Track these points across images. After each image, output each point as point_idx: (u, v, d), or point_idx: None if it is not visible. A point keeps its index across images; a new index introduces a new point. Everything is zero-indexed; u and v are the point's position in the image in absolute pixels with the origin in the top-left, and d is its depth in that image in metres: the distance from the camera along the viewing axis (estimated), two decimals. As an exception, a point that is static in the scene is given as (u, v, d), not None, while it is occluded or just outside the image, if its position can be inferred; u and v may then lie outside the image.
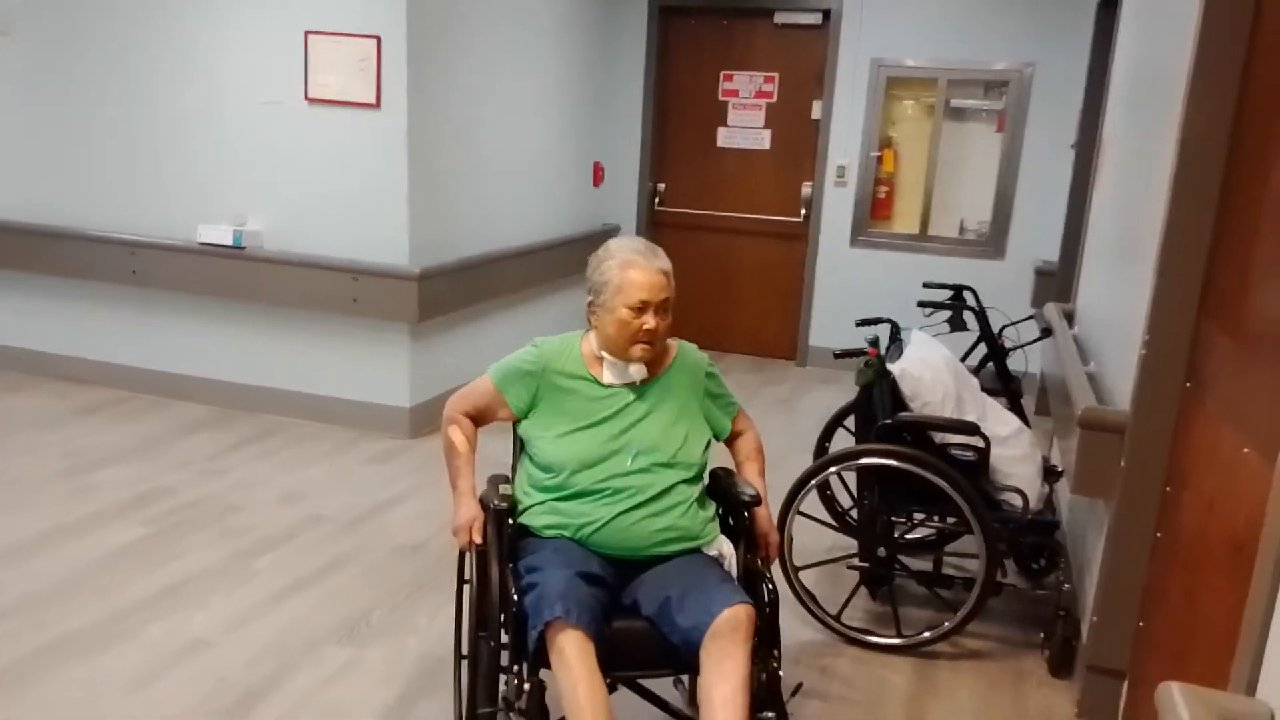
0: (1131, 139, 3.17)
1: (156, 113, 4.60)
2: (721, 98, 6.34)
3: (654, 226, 6.60)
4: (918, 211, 6.12)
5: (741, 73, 6.28)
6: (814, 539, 3.42)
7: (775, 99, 6.25)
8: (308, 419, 4.65)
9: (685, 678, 2.43)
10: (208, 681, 2.61)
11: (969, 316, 4.17)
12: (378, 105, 4.28)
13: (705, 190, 6.48)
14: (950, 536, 3.15)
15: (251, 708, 2.51)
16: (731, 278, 6.42)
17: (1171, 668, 2.23)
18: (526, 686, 1.91)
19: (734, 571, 2.13)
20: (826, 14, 5.99)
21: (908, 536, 3.15)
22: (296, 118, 4.40)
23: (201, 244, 4.54)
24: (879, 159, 6.10)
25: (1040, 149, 5.74)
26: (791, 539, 2.95)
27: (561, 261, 5.83)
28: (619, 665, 1.98)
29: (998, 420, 3.11)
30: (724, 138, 6.38)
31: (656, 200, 6.57)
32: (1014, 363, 4.22)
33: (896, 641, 2.93)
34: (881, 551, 2.99)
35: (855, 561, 3.05)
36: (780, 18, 6.12)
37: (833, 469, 2.93)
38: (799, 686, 2.17)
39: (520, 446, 2.32)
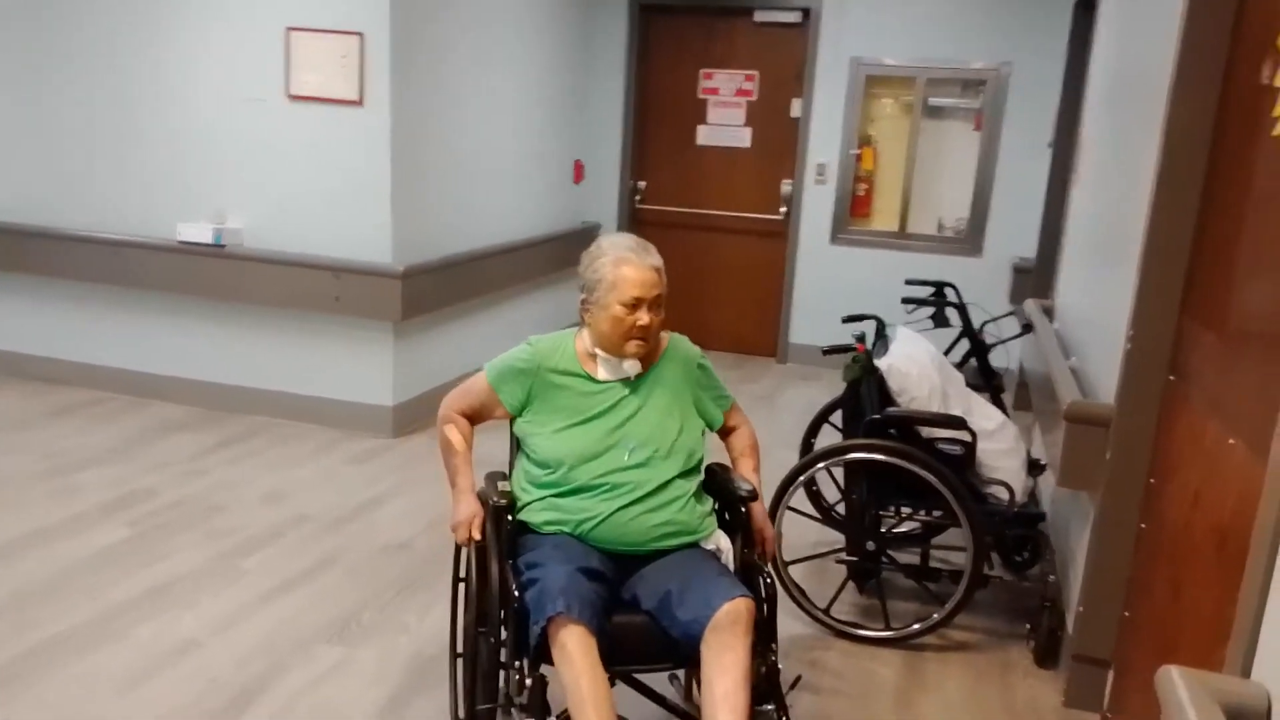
0: (1112, 138, 3.21)
1: (136, 110, 4.55)
2: (701, 96, 6.37)
3: (635, 224, 6.60)
4: (897, 209, 6.18)
5: (721, 71, 6.30)
6: (800, 533, 3.45)
7: (755, 97, 6.28)
8: (289, 419, 4.62)
9: (680, 673, 2.44)
10: (199, 682, 2.60)
11: (951, 313, 4.22)
12: (360, 102, 4.27)
13: (686, 188, 6.50)
14: (936, 530, 3.19)
15: (244, 708, 2.50)
16: (712, 275, 6.44)
17: (1157, 656, 2.28)
18: (528, 682, 1.92)
19: (731, 566, 2.15)
20: (806, 12, 6.03)
21: (895, 530, 3.18)
22: (278, 115, 4.37)
23: (181, 242, 4.50)
24: (858, 157, 6.14)
25: (1017, 147, 5.81)
26: (780, 534, 2.98)
27: (543, 259, 5.84)
28: (619, 659, 1.99)
29: (982, 415, 3.15)
30: (704, 136, 6.41)
31: (637, 198, 6.59)
32: (995, 358, 4.28)
33: (886, 634, 2.96)
34: (870, 545, 3.02)
35: (843, 556, 3.08)
36: (760, 16, 6.15)
37: (822, 464, 2.96)
38: (798, 679, 2.19)
39: (516, 444, 2.32)
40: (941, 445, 2.92)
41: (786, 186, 6.27)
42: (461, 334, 5.07)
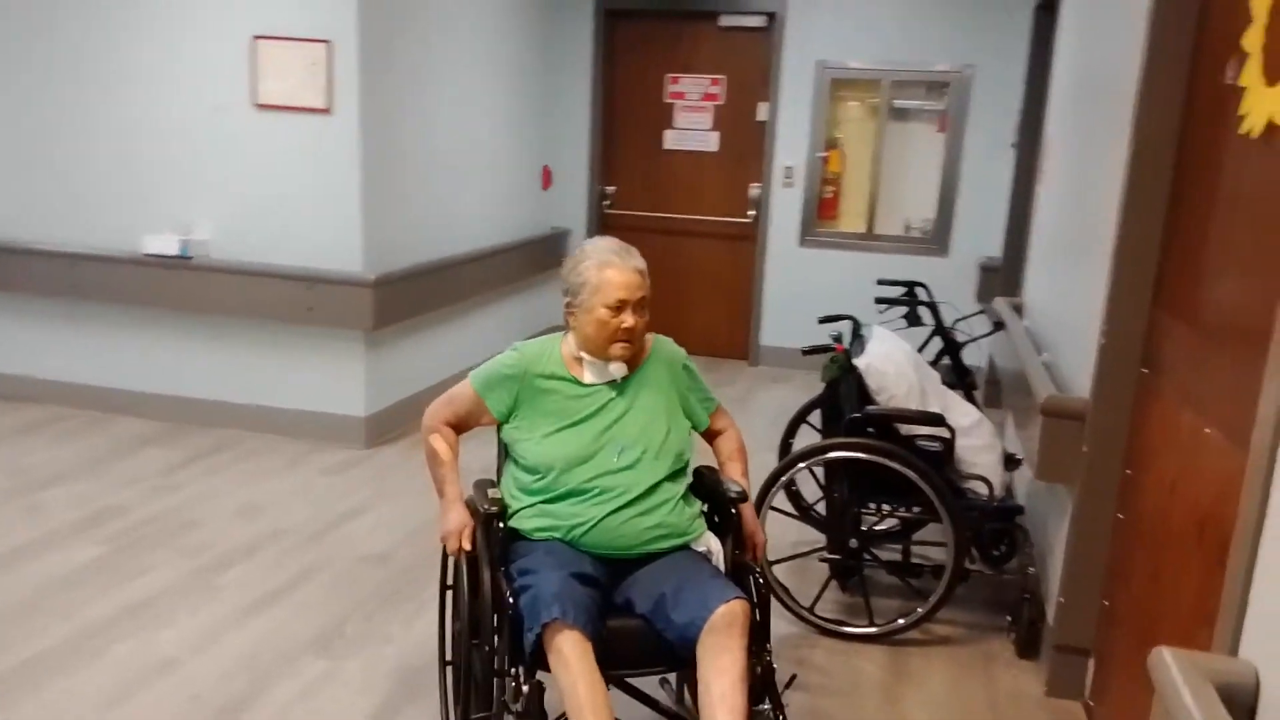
0: (1079, 138, 3.28)
1: (98, 120, 4.48)
2: (668, 100, 6.39)
3: (603, 229, 6.61)
4: (864, 211, 6.24)
5: (688, 75, 6.33)
6: (781, 533, 3.47)
7: (722, 101, 6.32)
8: (260, 432, 4.57)
9: (671, 676, 2.45)
10: (181, 699, 2.56)
11: (923, 312, 4.27)
12: (329, 110, 4.23)
13: (654, 192, 6.52)
14: (916, 526, 3.22)
15: (229, 724, 2.47)
16: (682, 279, 6.46)
17: (1137, 644, 2.32)
18: (525, 689, 1.91)
19: (722, 567, 2.16)
20: (771, 16, 6.08)
21: (876, 528, 3.21)
22: (245, 124, 4.32)
23: (147, 255, 4.44)
24: (825, 160, 6.20)
25: (981, 148, 5.90)
26: (765, 535, 2.99)
27: (513, 266, 5.83)
28: (614, 664, 1.99)
29: (959, 411, 3.19)
30: (672, 140, 6.43)
31: (606, 203, 6.60)
32: (964, 356, 4.33)
33: (870, 630, 2.99)
34: (853, 543, 3.05)
35: (826, 554, 3.11)
36: (725, 20, 6.19)
37: (805, 463, 2.98)
38: (793, 678, 2.20)
39: (504, 451, 2.31)
40: (921, 442, 2.96)
41: (755, 190, 6.32)
42: (433, 343, 5.04)
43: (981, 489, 3.01)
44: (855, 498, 3.05)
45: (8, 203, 4.66)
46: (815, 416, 3.68)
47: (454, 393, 2.31)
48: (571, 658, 1.86)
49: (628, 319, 2.15)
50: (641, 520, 2.10)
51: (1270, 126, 1.75)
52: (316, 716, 2.52)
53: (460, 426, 2.31)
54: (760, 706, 1.98)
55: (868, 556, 3.12)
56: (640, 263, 2.20)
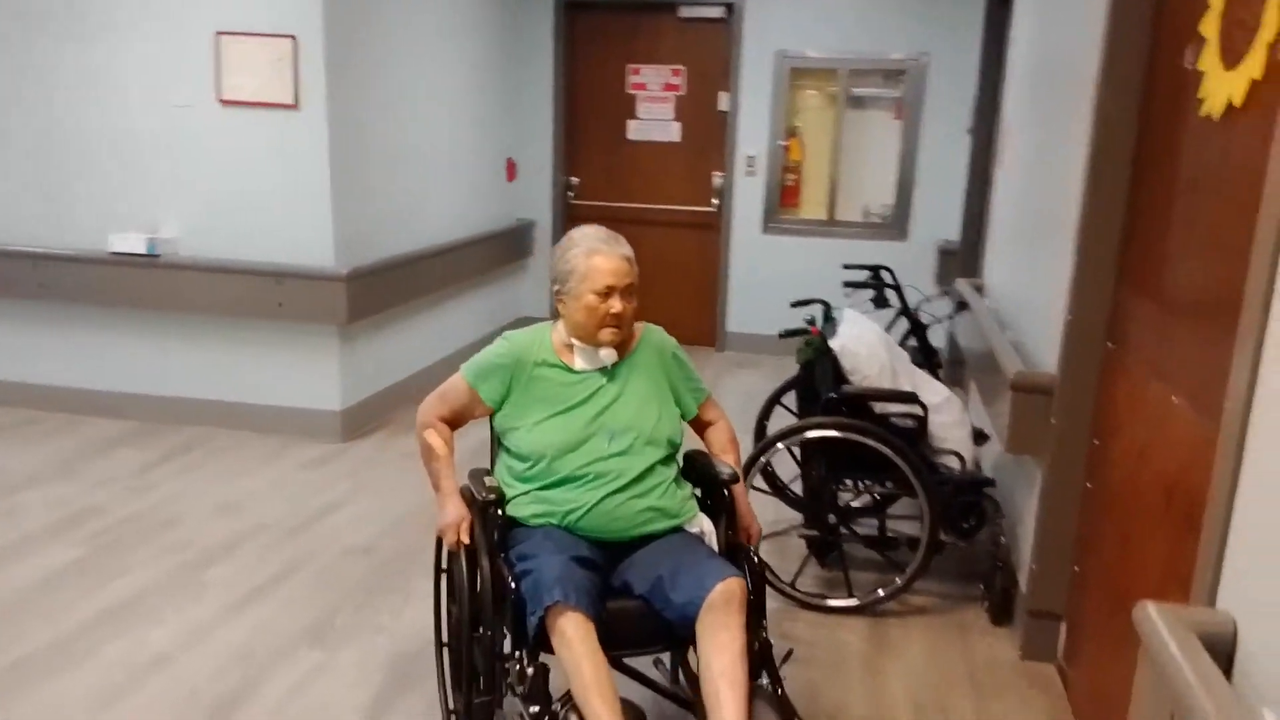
0: (1038, 123, 3.38)
1: (62, 119, 4.42)
2: (630, 91, 6.44)
3: (568, 220, 6.64)
4: (824, 198, 6.35)
5: (649, 66, 6.38)
6: (759, 512, 3.50)
7: (683, 91, 6.38)
8: (234, 428, 4.55)
9: (665, 657, 2.50)
10: (177, 695, 2.57)
11: (890, 294, 4.38)
12: (295, 106, 4.22)
13: (618, 183, 6.57)
14: (890, 500, 3.32)
15: (228, 717, 2.48)
16: (647, 268, 6.43)
17: (1107, 606, 2.43)
18: (529, 672, 1.94)
19: (715, 547, 2.21)
20: (729, 7, 6.14)
21: (853, 504, 3.30)
22: (210, 120, 4.29)
23: (113, 254, 4.39)
24: (786, 148, 6.29)
25: (937, 135, 6.03)
26: (747, 514, 3.06)
27: (480, 258, 5.85)
28: (614, 645, 2.02)
29: (929, 389, 3.29)
30: (634, 130, 6.48)
31: (570, 194, 6.63)
32: (929, 337, 4.45)
33: (851, 603, 3.08)
34: (831, 519, 3.13)
35: (805, 530, 3.19)
36: (684, 11, 6.25)
37: (783, 442, 3.06)
38: (789, 653, 2.25)
39: (497, 439, 2.35)
40: (895, 420, 3.05)
41: (717, 179, 6.39)
42: (405, 336, 5.05)
43: (954, 463, 3.12)
44: (832, 475, 3.14)
45: (-35, 203, 4.58)
46: (789, 399, 3.77)
47: (446, 388, 2.32)
48: (575, 639, 1.90)
49: (616, 304, 2.19)
50: (635, 503, 2.15)
51: (1230, 109, 1.85)
52: (315, 707, 2.54)
53: (455, 421, 2.32)
54: (759, 681, 2.04)
55: (845, 531, 3.21)
56: (627, 250, 2.25)
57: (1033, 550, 2.82)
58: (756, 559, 2.19)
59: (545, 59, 6.41)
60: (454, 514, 2.16)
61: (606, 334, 2.22)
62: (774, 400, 3.86)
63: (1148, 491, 2.19)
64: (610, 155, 6.54)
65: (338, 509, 3.78)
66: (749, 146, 6.28)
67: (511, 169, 6.43)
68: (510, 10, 6.19)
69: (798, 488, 3.56)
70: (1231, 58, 1.86)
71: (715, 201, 6.42)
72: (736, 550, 2.22)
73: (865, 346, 3.17)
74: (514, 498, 2.21)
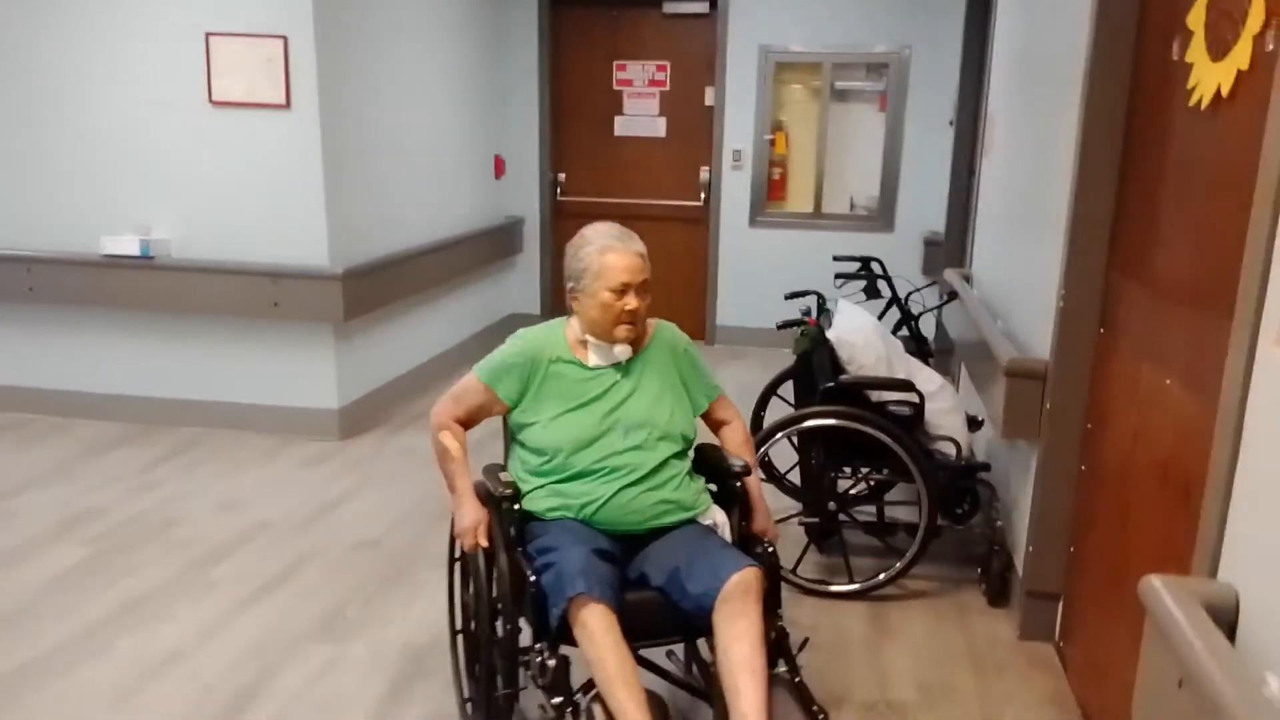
0: (1026, 113, 3.45)
1: (52, 121, 4.41)
2: (616, 87, 6.48)
3: (556, 216, 6.69)
4: (811, 190, 6.41)
5: (634, 62, 6.42)
6: (759, 503, 3.60)
7: (669, 87, 6.43)
8: (230, 428, 4.56)
9: (678, 648, 2.54)
10: (193, 689, 2.60)
11: (880, 284, 4.45)
12: (287, 105, 4.23)
13: (605, 178, 6.61)
14: (887, 487, 3.39)
15: (245, 710, 2.52)
16: (636, 263, 6.55)
17: (1105, 585, 2.51)
18: (551, 664, 1.97)
19: (729, 539, 2.24)
20: (713, 3, 6.19)
21: (851, 491, 3.36)
22: (201, 121, 4.30)
23: (106, 256, 4.39)
24: (772, 142, 6.35)
25: (921, 127, 6.10)
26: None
27: (471, 255, 5.87)
28: (632, 636, 2.03)
29: (923, 377, 3.34)
30: (621, 126, 6.52)
31: (558, 190, 6.66)
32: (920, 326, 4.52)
33: (851, 588, 3.14)
34: (831, 506, 3.20)
35: (805, 518, 3.25)
36: (668, 7, 6.29)
37: (782, 432, 3.11)
38: (805, 641, 2.27)
39: (510, 434, 2.36)
40: (892, 407, 3.11)
41: (704, 173, 6.44)
42: (398, 334, 5.08)
43: (950, 449, 3.18)
44: (831, 463, 3.20)
45: (-46, 207, 4.57)
46: (785, 389, 3.83)
47: (460, 389, 2.34)
48: (598, 630, 1.93)
49: (630, 301, 2.21)
50: (650, 496, 2.18)
51: (1218, 99, 1.91)
52: (329, 699, 2.58)
53: (469, 422, 2.33)
54: (776, 670, 2.07)
55: (845, 518, 3.27)
56: (640, 246, 2.27)
57: (1029, 532, 2.89)
58: (771, 549, 2.21)
59: (531, 56, 6.43)
60: (471, 517, 2.17)
61: (621, 331, 2.24)
62: (770, 391, 3.91)
63: (1142, 471, 2.26)
64: (597, 151, 6.58)
65: (341, 505, 3.81)
66: (735, 141, 6.34)
67: (499, 166, 6.45)
68: (496, 7, 6.22)
69: (793, 477, 3.64)
70: (1218, 50, 1.93)
71: (702, 196, 6.48)
72: (750, 540, 2.25)
73: (861, 336, 3.22)
74: (529, 492, 2.23)
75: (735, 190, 6.40)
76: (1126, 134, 2.55)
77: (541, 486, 2.23)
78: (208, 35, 4.22)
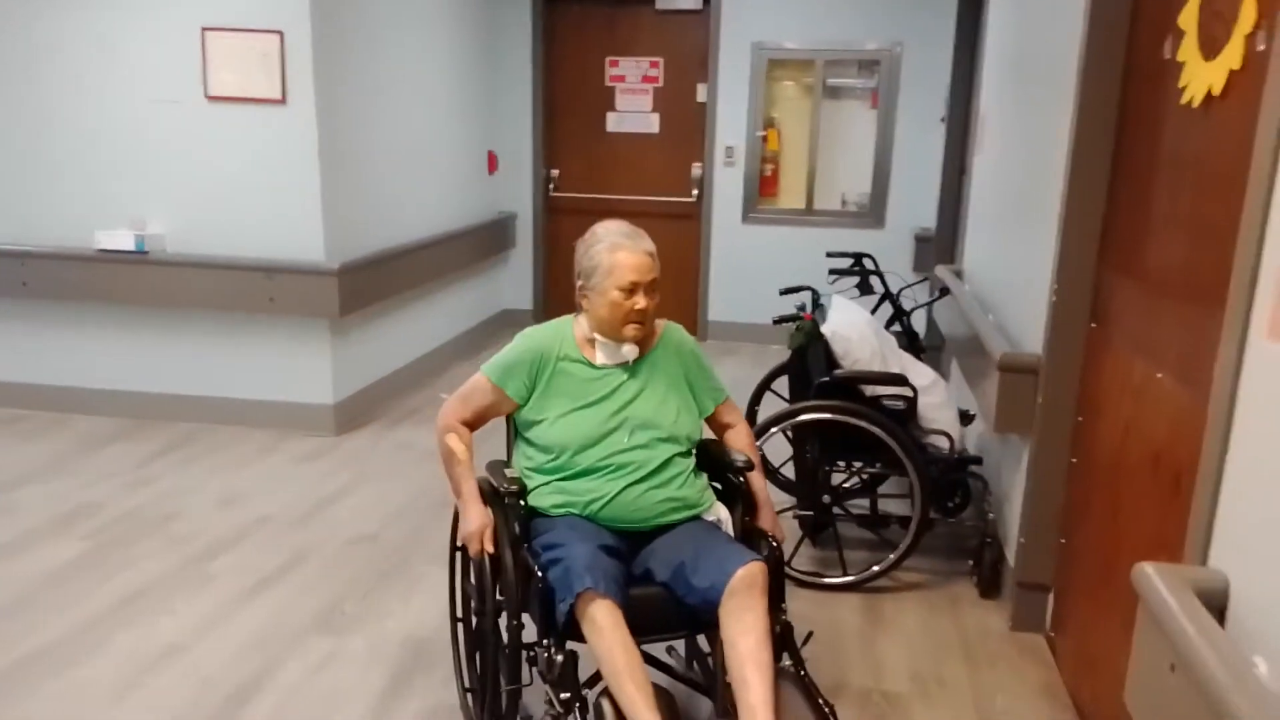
0: (1019, 111, 3.49)
1: (47, 115, 4.41)
2: (609, 83, 6.50)
3: (549, 212, 6.71)
4: (803, 187, 6.45)
5: (627, 58, 6.44)
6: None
7: (661, 83, 6.45)
8: (226, 423, 4.57)
9: (678, 644, 2.56)
10: (192, 682, 2.61)
11: (874, 281, 4.48)
12: (284, 101, 4.24)
13: (598, 175, 6.63)
14: (879, 480, 3.43)
15: (245, 703, 2.53)
16: (629, 259, 6.57)
17: (1096, 576, 2.55)
18: (559, 659, 1.98)
19: (732, 534, 2.25)
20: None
21: (844, 485, 3.40)
22: (197, 116, 4.30)
23: (101, 251, 4.39)
24: (764, 139, 6.39)
25: (912, 124, 6.15)
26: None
27: (465, 250, 5.89)
28: (637, 631, 2.03)
29: (915, 372, 3.38)
30: (613, 122, 6.54)
31: (551, 186, 6.68)
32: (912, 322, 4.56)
33: (848, 580, 3.18)
34: (825, 499, 3.23)
35: (799, 512, 3.29)
36: (661, 3, 6.32)
37: (777, 427, 3.14)
38: (810, 635, 2.29)
39: (514, 431, 2.37)
40: (886, 402, 3.15)
41: (697, 169, 6.47)
42: (393, 329, 5.09)
43: (943, 443, 3.22)
44: (826, 457, 3.23)
45: (-53, 202, 4.56)
46: (779, 384, 3.86)
47: (468, 390, 2.33)
48: (606, 625, 1.94)
49: (640, 300, 2.21)
50: (655, 494, 2.19)
51: (1209, 98, 1.95)
52: (330, 691, 2.60)
53: (476, 423, 2.33)
54: (782, 664, 2.09)
55: (839, 511, 3.31)
56: (650, 245, 2.26)
57: (1020, 525, 2.93)
58: (775, 544, 2.23)
59: (524, 52, 6.45)
60: (477, 521, 2.17)
61: (630, 330, 2.24)
62: (764, 386, 3.95)
63: (1133, 463, 2.30)
64: (590, 147, 6.60)
65: (338, 500, 3.83)
66: (727, 137, 6.37)
67: (493, 161, 6.47)
68: (490, 3, 6.23)
69: (788, 471, 3.67)
70: (1210, 49, 1.96)
71: (695, 192, 6.50)
72: (754, 535, 2.27)
73: (855, 331, 3.26)
74: (534, 488, 2.24)
75: (727, 187, 6.43)
76: (1118, 131, 2.59)
77: (546, 483, 2.24)
78: (204, 30, 4.22)
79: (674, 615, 2.11)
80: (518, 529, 2.16)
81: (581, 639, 2.00)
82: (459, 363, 5.79)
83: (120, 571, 3.20)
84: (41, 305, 4.60)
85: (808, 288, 3.73)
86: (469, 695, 2.41)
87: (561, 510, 2.20)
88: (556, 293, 6.78)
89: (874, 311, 4.45)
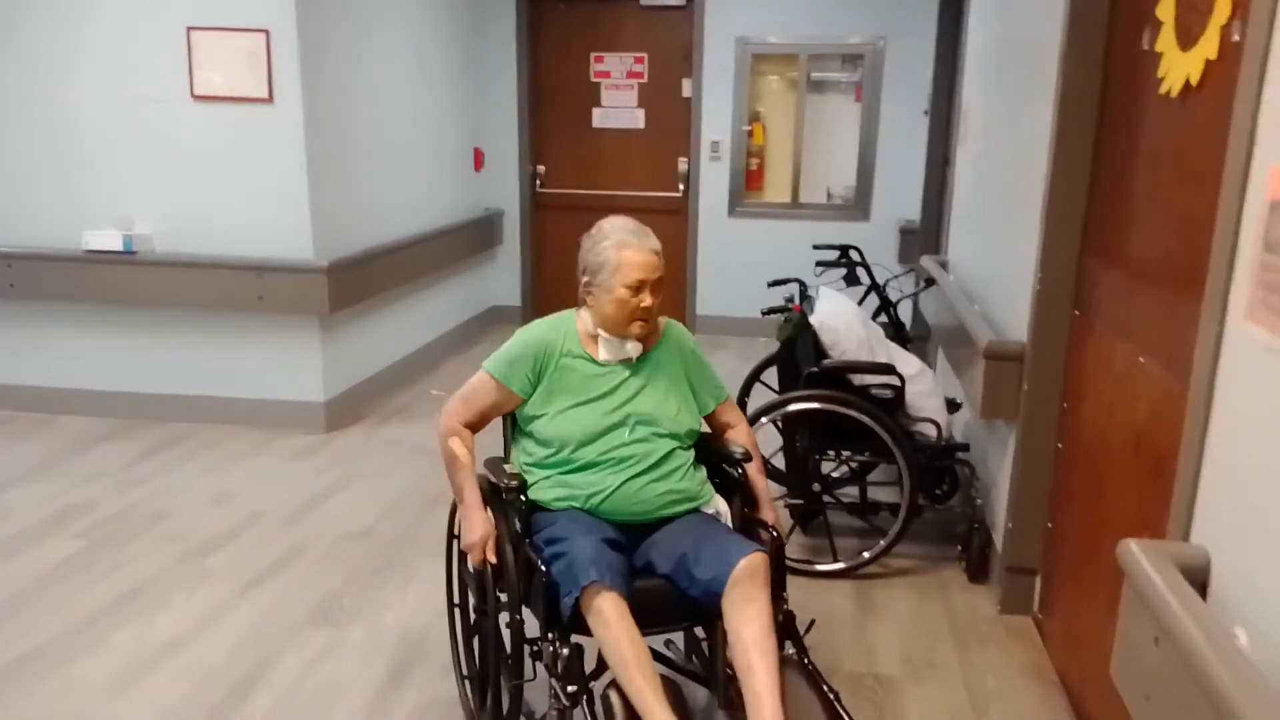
0: (1002, 104, 3.54)
1: (33, 115, 4.40)
2: (594, 79, 6.52)
3: (536, 209, 6.73)
4: (788, 181, 6.49)
5: (612, 54, 6.47)
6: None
7: (646, 79, 6.48)
8: (215, 422, 4.57)
9: (676, 637, 2.59)
10: (193, 677, 2.63)
11: (860, 272, 4.53)
12: (270, 99, 4.25)
13: (584, 171, 6.65)
14: (868, 469, 3.47)
15: (246, 696, 2.55)
16: (616, 254, 6.60)
17: (1082, 558, 2.60)
18: (565, 652, 1.99)
19: (731, 525, 2.27)
20: (690, -5, 6.25)
21: (834, 474, 3.44)
22: (183, 115, 4.30)
23: (88, 251, 4.39)
24: (749, 133, 6.42)
25: (896, 117, 6.20)
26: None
27: (452, 247, 5.90)
28: (639, 623, 2.01)
29: (903, 362, 3.43)
30: (599, 118, 6.56)
31: (537, 182, 6.70)
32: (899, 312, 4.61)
33: (838, 566, 3.22)
34: (815, 488, 3.27)
35: (791, 500, 3.33)
36: (646, -1, 6.35)
37: (767, 417, 3.18)
38: (812, 623, 2.33)
39: (513, 426, 2.38)
40: (874, 391, 3.19)
41: (683, 164, 6.51)
42: (382, 327, 5.10)
43: (930, 431, 3.27)
44: (815, 446, 3.28)
45: (-67, 204, 4.54)
46: (768, 376, 3.90)
47: (470, 390, 2.31)
48: (612, 617, 1.95)
49: (645, 298, 2.22)
50: (656, 487, 2.20)
51: (1187, 87, 2.00)
52: (330, 683, 2.62)
53: (478, 424, 2.32)
54: (785, 652, 2.11)
55: (829, 500, 3.35)
56: (656, 243, 2.28)
57: (1007, 510, 2.98)
58: (775, 534, 2.25)
59: (509, 48, 6.46)
60: (480, 531, 2.16)
61: (635, 327, 2.25)
62: (754, 377, 3.99)
63: (1117, 446, 2.35)
64: (576, 143, 6.62)
65: (331, 496, 3.84)
66: (713, 132, 6.40)
67: (479, 158, 6.48)
68: (475, 1, 6.23)
69: (778, 461, 3.71)
70: (1187, 40, 2.01)
71: (682, 187, 6.54)
72: (754, 526, 2.29)
73: (843, 322, 3.29)
74: (535, 482, 2.25)
75: (714, 181, 6.47)
76: (1099, 122, 2.64)
77: (547, 477, 2.25)
78: (189, 29, 4.22)
79: (676, 607, 2.13)
80: (518, 524, 2.16)
81: (586, 632, 2.01)
82: (448, 359, 5.81)
83: (115, 570, 3.21)
84: (29, 306, 4.59)
85: (795, 280, 3.77)
86: (467, 683, 2.43)
87: (563, 503, 2.21)
88: (544, 289, 6.80)
89: (861, 302, 4.50)
